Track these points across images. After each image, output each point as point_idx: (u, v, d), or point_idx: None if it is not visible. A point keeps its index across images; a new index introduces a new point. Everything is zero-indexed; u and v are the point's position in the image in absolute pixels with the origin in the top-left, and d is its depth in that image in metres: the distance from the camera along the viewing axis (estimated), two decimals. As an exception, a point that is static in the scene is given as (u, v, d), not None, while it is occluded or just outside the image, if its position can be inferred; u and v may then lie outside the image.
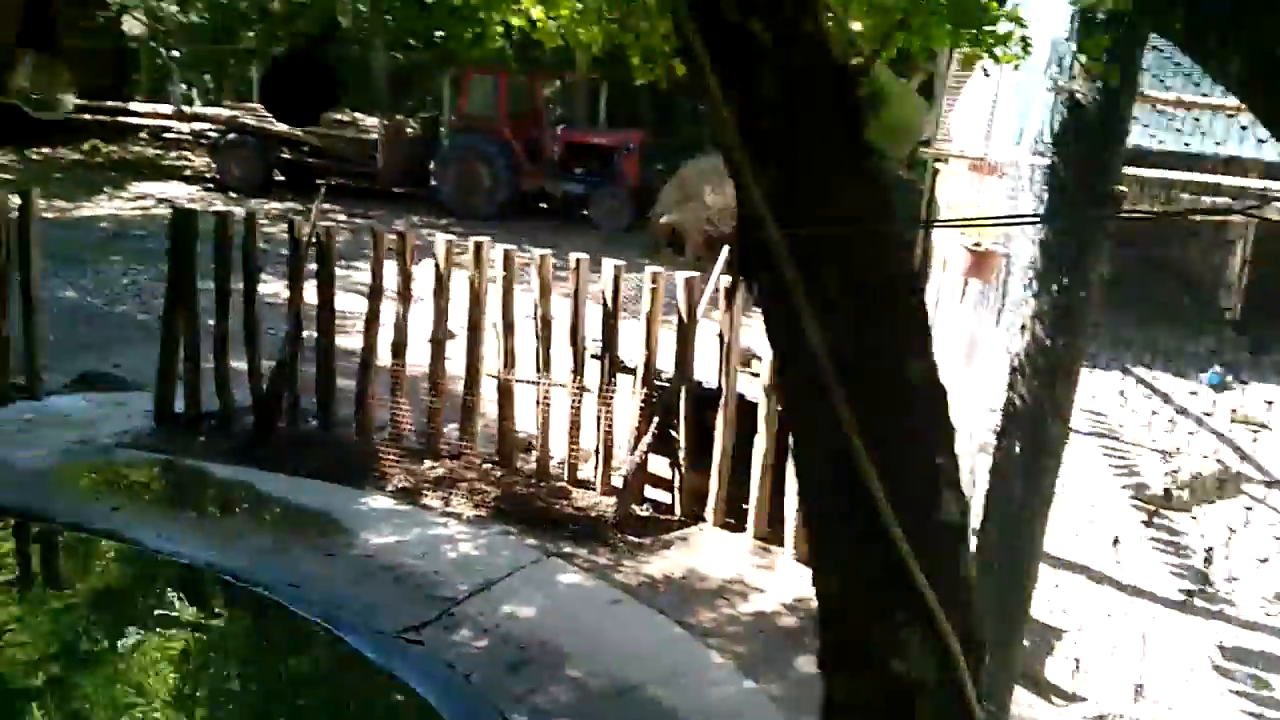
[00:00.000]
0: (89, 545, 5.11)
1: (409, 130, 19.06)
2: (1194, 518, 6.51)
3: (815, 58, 1.80)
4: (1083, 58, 3.69)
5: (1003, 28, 3.78)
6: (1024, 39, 3.93)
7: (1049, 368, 3.72)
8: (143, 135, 21.21)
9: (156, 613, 4.75)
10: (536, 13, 4.47)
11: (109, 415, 6.64)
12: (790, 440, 1.99)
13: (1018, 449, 3.72)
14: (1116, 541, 4.62)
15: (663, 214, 15.71)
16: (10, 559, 5.25)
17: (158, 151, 20.85)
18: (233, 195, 17.61)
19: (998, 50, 3.72)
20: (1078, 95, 3.74)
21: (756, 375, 5.69)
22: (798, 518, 5.22)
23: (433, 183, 17.60)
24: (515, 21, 4.59)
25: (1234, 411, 7.93)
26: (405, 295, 6.29)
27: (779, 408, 5.32)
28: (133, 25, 24.20)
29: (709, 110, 1.83)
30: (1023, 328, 3.87)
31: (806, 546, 5.19)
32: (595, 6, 4.35)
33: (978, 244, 5.80)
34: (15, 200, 6.83)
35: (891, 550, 1.78)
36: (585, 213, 17.43)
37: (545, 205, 18.32)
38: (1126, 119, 3.71)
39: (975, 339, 6.18)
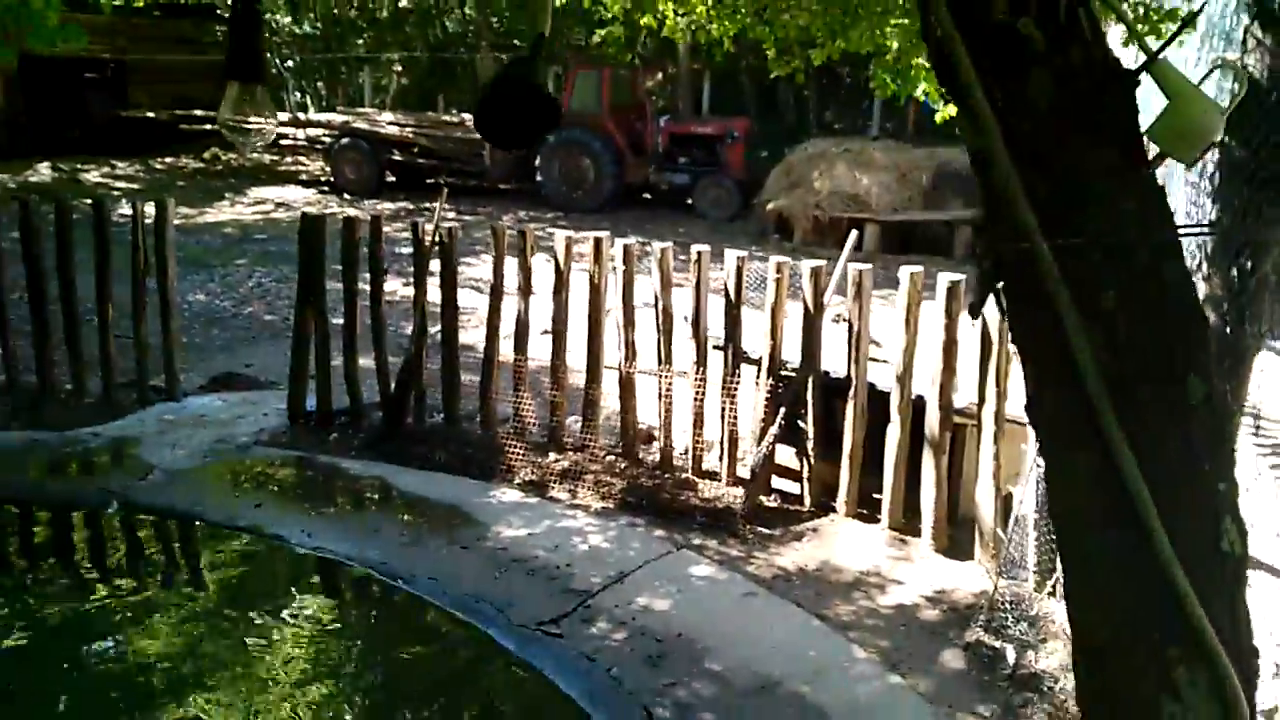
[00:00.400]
0: (235, 541, 5.26)
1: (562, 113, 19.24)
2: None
3: (1090, 58, 1.67)
4: (1257, 30, 3.45)
5: (1169, 2, 3.59)
6: (1191, 13, 3.72)
7: (1224, 355, 3.49)
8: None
9: (300, 605, 4.86)
10: (667, 10, 4.44)
11: (244, 414, 6.85)
12: (1043, 468, 1.86)
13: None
14: None
15: (769, 201, 15.55)
16: (160, 556, 5.44)
17: (275, 157, 21.55)
18: (347, 197, 18.12)
19: (1162, 26, 3.53)
20: (1251, 72, 3.50)
21: (880, 361, 5.55)
22: (934, 509, 5.08)
23: (539, 178, 17.79)
24: (645, 20, 4.56)
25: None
26: (526, 290, 6.32)
27: (912, 396, 5.19)
28: (248, 37, 25.07)
29: (965, 116, 1.71)
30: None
31: (945, 539, 5.08)
32: (731, 2, 4.30)
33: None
34: (150, 209, 7.09)
35: (1165, 586, 1.64)
36: (690, 202, 17.39)
37: (650, 196, 18.33)
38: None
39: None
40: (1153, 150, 1.71)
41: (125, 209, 7.18)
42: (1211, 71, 1.92)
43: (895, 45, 4.61)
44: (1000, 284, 1.80)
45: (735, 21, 4.48)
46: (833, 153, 15.53)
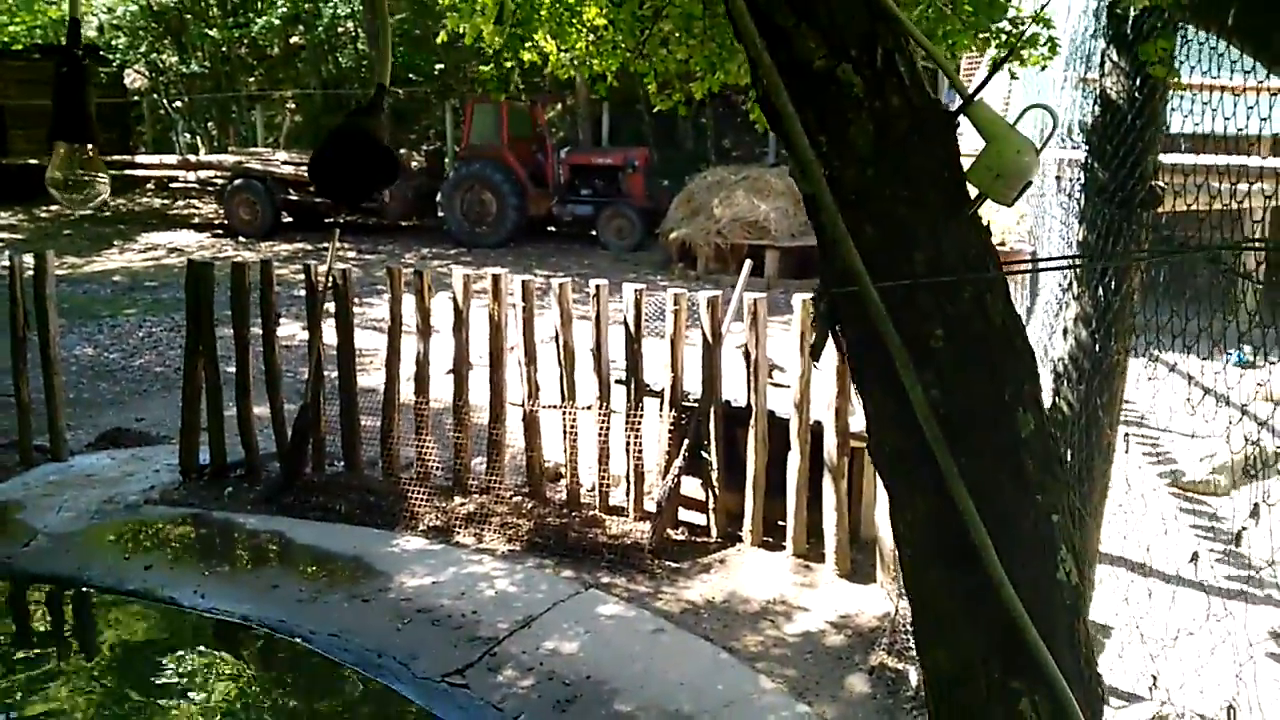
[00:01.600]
0: (124, 606, 5.06)
1: (414, 163, 19.14)
2: (1233, 500, 6.38)
3: (910, 103, 1.70)
4: (1113, 54, 3.61)
5: (1030, 30, 3.73)
6: (1051, 40, 3.88)
7: (1095, 371, 3.62)
8: (150, 186, 21.39)
9: (196, 669, 4.69)
10: (549, 47, 4.46)
11: (134, 472, 6.61)
12: (889, 503, 1.88)
13: (1069, 455, 3.63)
14: (1195, 558, 4.50)
15: (671, 230, 15.69)
16: (45, 626, 5.20)
17: (165, 201, 21.01)
18: (242, 239, 17.73)
19: (1024, 53, 3.67)
20: (1110, 93, 3.66)
21: (783, 386, 5.62)
22: (836, 533, 5.14)
23: (440, 214, 17.68)
24: (527, 57, 4.57)
25: (1259, 387, 7.79)
26: (425, 331, 6.25)
27: (810, 422, 5.26)
28: (135, 78, 24.42)
29: (792, 159, 1.74)
30: (1065, 331, 3.78)
31: (848, 563, 5.14)
32: (610, 38, 4.34)
33: (1002, 243, 5.71)
34: (30, 260, 6.83)
35: (1006, 618, 1.67)
36: (594, 233, 17.45)
37: (554, 228, 18.34)
38: (1163, 113, 3.62)
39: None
40: (974, 191, 1.76)
41: (3, 261, 6.90)
42: (1026, 111, 1.99)
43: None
44: (837, 325, 1.83)
45: (615, 56, 4.52)
46: (732, 180, 15.76)
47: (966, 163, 1.76)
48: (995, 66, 2.20)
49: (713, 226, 15.19)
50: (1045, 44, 4.37)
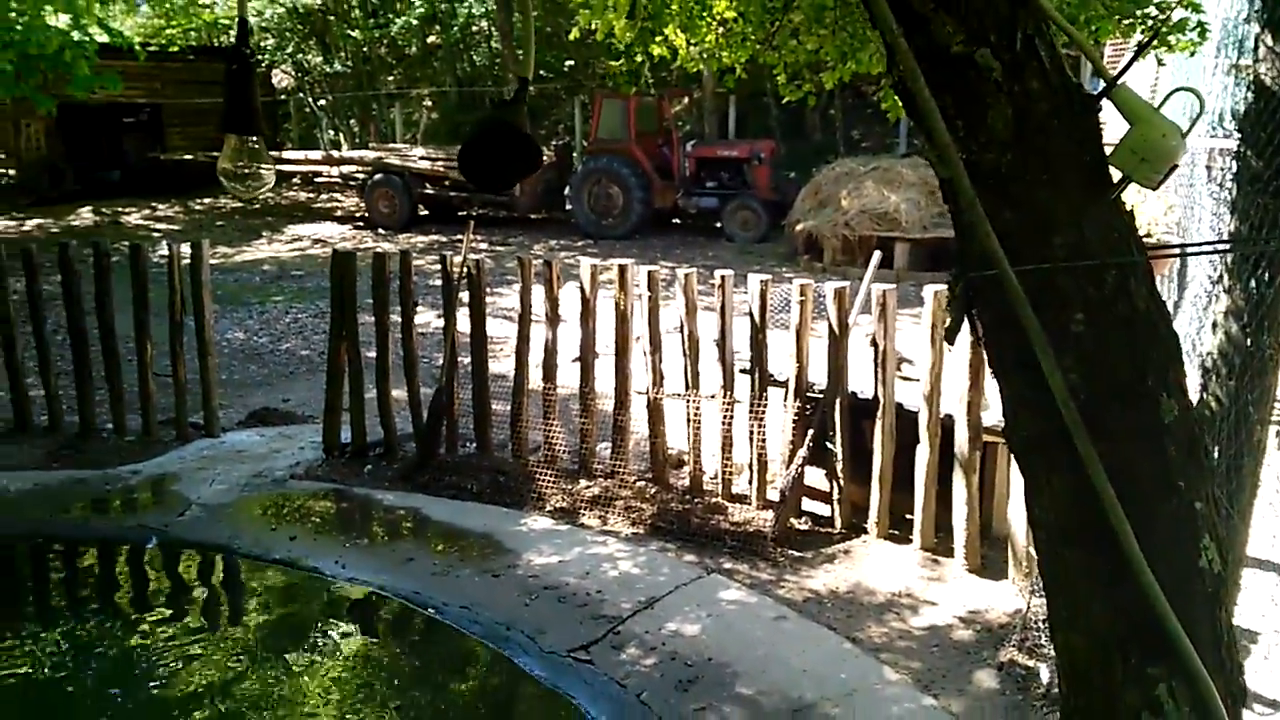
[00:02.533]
0: (270, 573, 5.34)
1: (544, 158, 19.50)
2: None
3: (1050, 86, 1.68)
4: (1268, 38, 3.44)
5: (1177, 14, 3.59)
6: (1201, 24, 3.72)
7: (1246, 366, 3.46)
8: (295, 181, 22.38)
9: (334, 636, 4.92)
10: (678, 40, 4.51)
11: (281, 449, 6.96)
12: (1024, 486, 1.87)
13: (1217, 453, 3.47)
14: None
15: (798, 221, 15.56)
16: (198, 589, 5.54)
17: (310, 195, 21.94)
18: (381, 231, 18.40)
19: (1171, 39, 3.53)
20: (1264, 79, 3.49)
21: (912, 380, 5.54)
22: (966, 528, 5.05)
23: (569, 207, 17.96)
24: (657, 51, 4.63)
25: None
26: (553, 319, 6.39)
27: (940, 415, 5.17)
28: (282, 78, 25.60)
29: (926, 145, 1.74)
30: (1214, 325, 3.62)
31: (978, 558, 5.04)
32: (740, 30, 4.36)
33: (1149, 234, 5.49)
34: (186, 249, 7.26)
35: (1145, 604, 1.64)
36: (719, 225, 17.46)
37: (679, 220, 18.42)
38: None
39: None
40: (1117, 174, 1.72)
41: (164, 250, 7.35)
42: (1173, 93, 1.93)
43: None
44: (974, 309, 1.81)
45: (745, 49, 4.53)
46: (860, 171, 15.52)
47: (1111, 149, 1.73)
48: (1141, 49, 2.14)
49: (840, 218, 14.99)
50: (1194, 29, 4.18)
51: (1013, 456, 2.00)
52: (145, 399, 7.26)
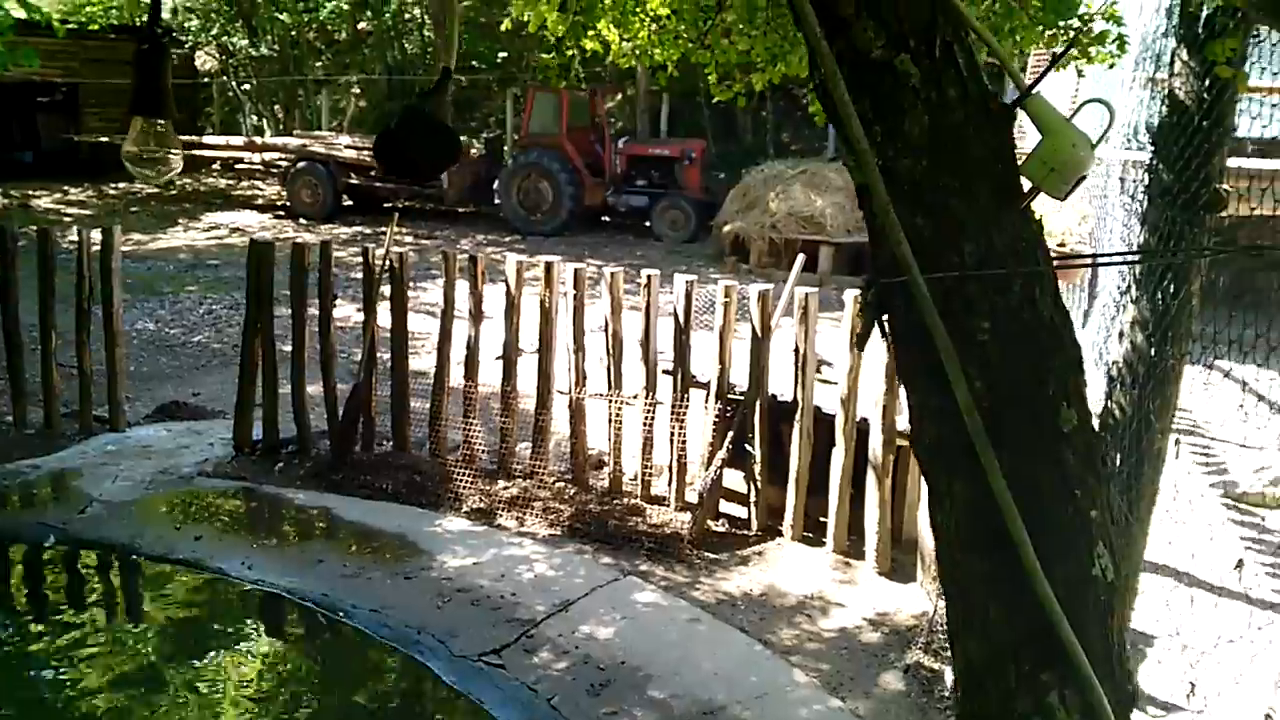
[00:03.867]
0: (173, 575, 5.18)
1: (473, 150, 19.29)
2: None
3: (966, 94, 1.69)
4: (1184, 54, 3.52)
5: (1098, 26, 3.66)
6: (1120, 37, 3.79)
7: (1149, 376, 3.55)
8: (215, 167, 21.81)
9: (238, 639, 4.80)
10: (611, 35, 4.47)
11: (189, 445, 6.76)
12: (927, 491, 1.88)
13: (1119, 460, 3.56)
14: (1240, 565, 4.41)
15: (726, 223, 15.63)
16: (96, 590, 5.35)
17: (230, 182, 21.41)
18: (303, 221, 18.02)
19: (1092, 50, 3.59)
20: (1178, 93, 3.58)
21: (830, 383, 5.58)
22: (878, 531, 5.10)
23: (497, 201, 17.79)
24: (590, 45, 4.58)
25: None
26: (477, 316, 6.30)
27: (856, 419, 5.22)
28: (205, 60, 24.93)
29: (844, 149, 1.74)
30: (1120, 335, 3.71)
31: (889, 562, 5.10)
32: (673, 27, 4.34)
33: (1062, 244, 5.61)
34: (97, 235, 7.01)
35: (1039, 611, 1.66)
36: (648, 224, 17.45)
37: (609, 218, 18.37)
38: (1231, 116, 3.53)
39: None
40: (1027, 184, 1.74)
41: (74, 236, 7.09)
42: (1085, 104, 1.96)
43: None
44: (885, 315, 1.82)
45: (678, 47, 4.52)
46: (788, 174, 15.65)
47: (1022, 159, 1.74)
48: (1055, 59, 2.16)
49: (767, 220, 15.10)
50: (1114, 41, 4.28)
51: (917, 462, 2.01)
52: (48, 391, 7.00)
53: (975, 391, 1.67)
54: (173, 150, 1.97)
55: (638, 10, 4.62)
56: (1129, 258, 3.93)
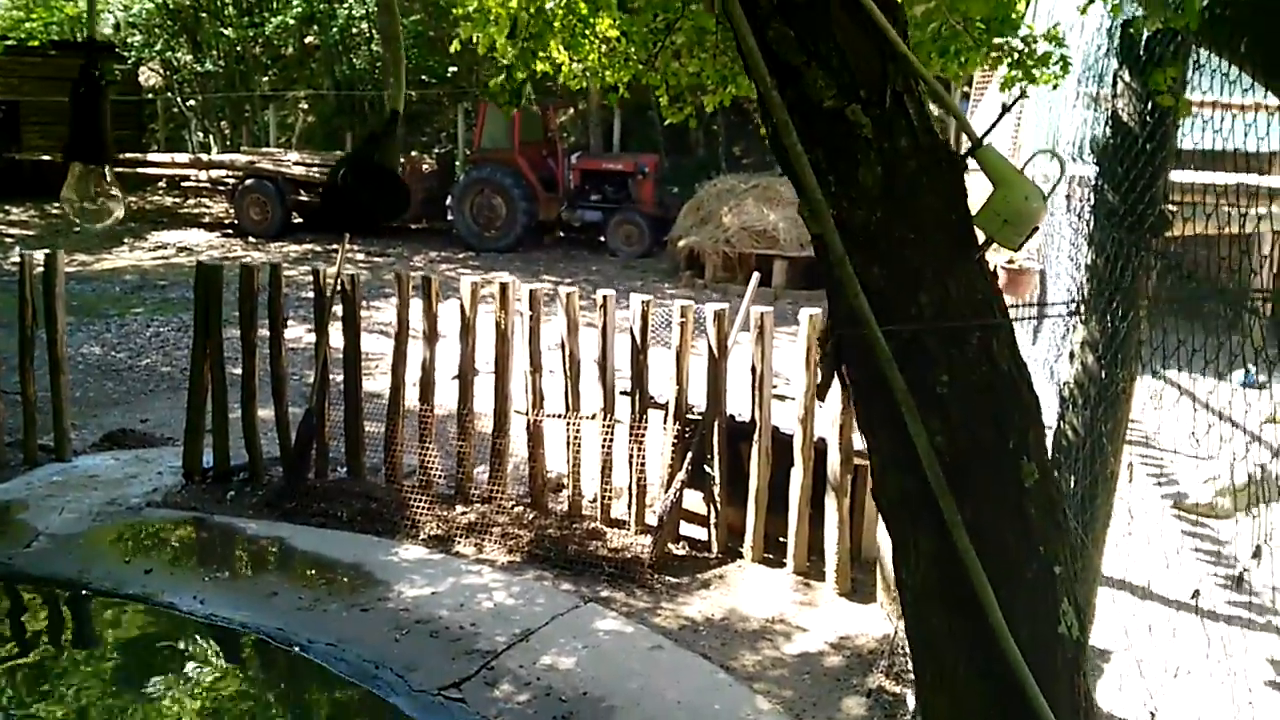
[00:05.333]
0: (123, 610, 5.05)
1: (425, 166, 19.15)
2: (1237, 524, 6.33)
3: (919, 144, 1.68)
4: (1125, 74, 3.58)
5: (1041, 47, 3.70)
6: (1063, 58, 3.84)
7: (1101, 397, 3.59)
8: (161, 184, 21.43)
9: (193, 675, 4.68)
10: (561, 57, 4.45)
11: (137, 474, 6.61)
12: (891, 546, 1.87)
13: (1073, 481, 3.59)
14: (1197, 595, 4.47)
15: (680, 237, 15.67)
16: (44, 628, 5.20)
17: (176, 199, 21.06)
18: (251, 240, 17.75)
19: (1035, 71, 3.63)
20: (1121, 114, 3.63)
21: (786, 398, 5.59)
22: (837, 552, 5.12)
23: (450, 217, 17.68)
24: (540, 68, 4.56)
25: (1273, 411, 7.73)
26: (431, 337, 6.24)
27: (814, 439, 5.24)
28: (149, 76, 24.52)
29: (801, 198, 1.72)
30: (1071, 355, 3.75)
31: (849, 582, 5.12)
32: (623, 50, 4.33)
33: (1011, 261, 5.68)
34: (39, 257, 6.84)
35: (1008, 670, 1.65)
36: (603, 239, 17.44)
37: (563, 233, 18.33)
38: (1174, 137, 3.58)
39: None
40: (981, 235, 1.74)
41: (14, 257, 6.93)
42: (1034, 156, 1.97)
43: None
44: (843, 365, 1.82)
45: (628, 68, 4.52)
46: (741, 189, 15.74)
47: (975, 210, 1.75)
48: (1004, 110, 2.17)
49: (721, 235, 15.16)
50: (1057, 62, 4.34)
51: (880, 516, 2.00)
52: (-11, 419, 6.81)
53: (936, 444, 1.67)
54: (114, 197, 1.88)
55: (587, 33, 4.61)
56: (1075, 304, 3.95)
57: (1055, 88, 4.88)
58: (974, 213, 1.74)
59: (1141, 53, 3.72)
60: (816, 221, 1.68)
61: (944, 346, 1.68)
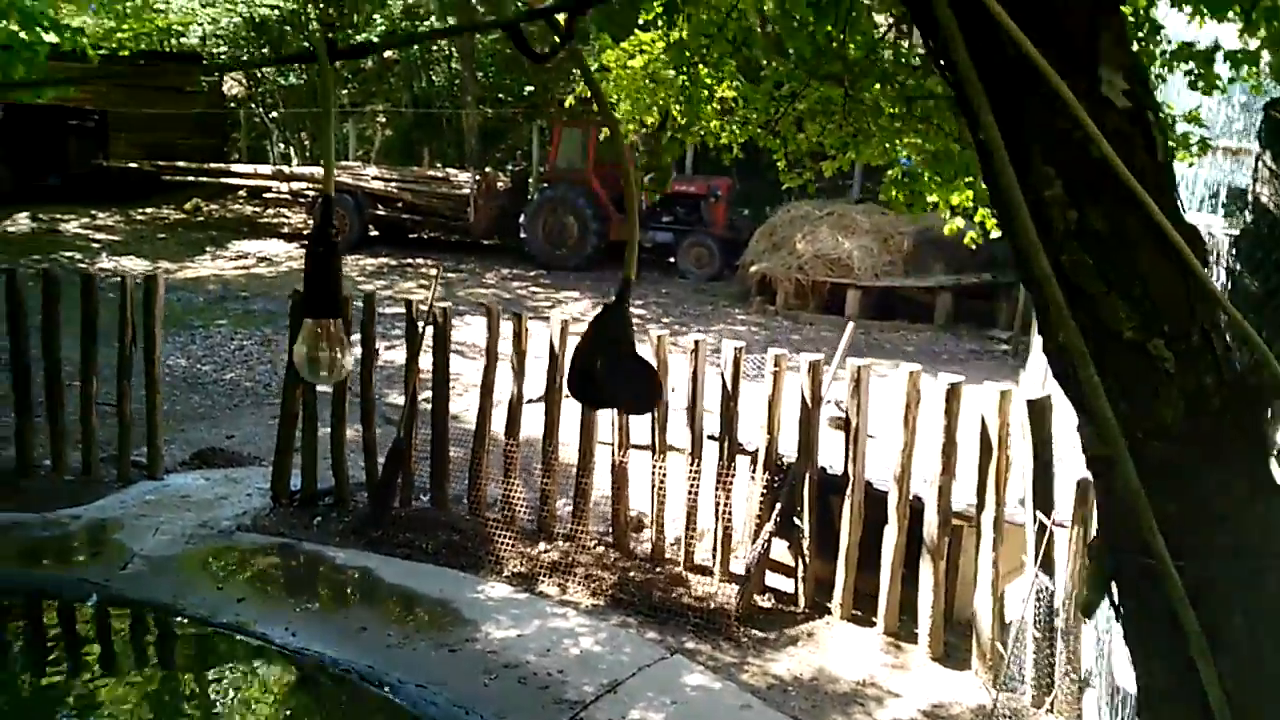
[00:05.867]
0: (217, 639, 5.13)
1: (500, 184, 19.32)
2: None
3: (1222, 380, 1.62)
4: (1267, 158, 3.46)
5: (1180, 128, 3.62)
6: (1203, 139, 3.75)
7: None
8: (242, 194, 21.91)
9: (284, 711, 4.74)
10: (675, 109, 4.46)
11: (227, 494, 6.73)
12: None
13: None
14: None
15: (752, 262, 15.61)
16: (142, 654, 5.31)
17: (256, 209, 21.49)
18: (330, 252, 17.98)
19: (1176, 152, 3.54)
20: (1264, 200, 3.51)
21: (841, 419, 5.46)
22: (931, 615, 5.02)
23: (522, 235, 17.81)
24: (650, 119, 4.57)
25: None
26: (519, 372, 6.27)
27: (909, 495, 5.15)
28: (233, 86, 25.12)
29: (1090, 423, 1.63)
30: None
31: (941, 646, 5.01)
32: (741, 113, 4.31)
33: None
34: (137, 265, 6.98)
35: None
36: (673, 260, 17.45)
37: (635, 255, 18.30)
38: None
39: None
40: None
41: (104, 263, 7.10)
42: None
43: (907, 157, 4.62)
44: (1113, 585, 1.74)
45: (745, 130, 4.50)
46: (815, 215, 15.63)
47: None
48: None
49: (794, 261, 15.07)
50: (1196, 143, 4.23)
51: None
52: (87, 433, 6.99)
53: (1222, 684, 1.59)
54: (343, 352, 1.90)
55: (705, 95, 4.59)
56: None
57: (1191, 165, 4.75)
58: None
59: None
60: (1107, 443, 1.59)
61: (1239, 588, 1.61)
